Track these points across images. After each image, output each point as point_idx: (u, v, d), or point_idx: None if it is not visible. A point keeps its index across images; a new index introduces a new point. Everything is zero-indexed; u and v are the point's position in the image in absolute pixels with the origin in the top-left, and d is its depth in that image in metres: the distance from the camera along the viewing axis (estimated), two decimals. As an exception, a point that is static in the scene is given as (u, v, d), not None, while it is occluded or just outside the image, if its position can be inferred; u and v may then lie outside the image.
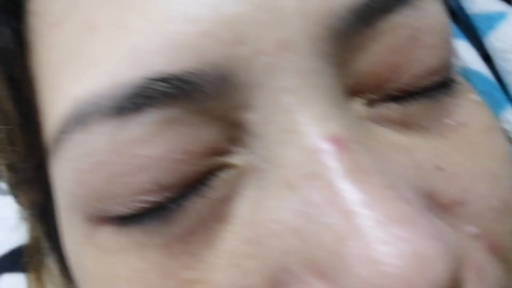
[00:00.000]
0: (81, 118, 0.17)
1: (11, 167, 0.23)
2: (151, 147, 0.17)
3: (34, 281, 0.32)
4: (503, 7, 0.40)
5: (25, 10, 0.20)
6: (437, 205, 0.19)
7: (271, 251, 0.17)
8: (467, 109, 0.21)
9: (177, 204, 0.18)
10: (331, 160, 0.17)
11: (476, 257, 0.19)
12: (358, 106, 0.19)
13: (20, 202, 0.27)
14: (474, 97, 0.22)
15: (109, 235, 0.19)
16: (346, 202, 0.16)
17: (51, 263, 0.31)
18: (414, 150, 0.19)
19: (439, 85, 0.20)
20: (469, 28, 0.42)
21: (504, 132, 0.40)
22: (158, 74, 0.17)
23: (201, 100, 0.17)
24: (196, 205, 0.18)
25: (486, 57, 0.42)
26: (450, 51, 0.20)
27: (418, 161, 0.19)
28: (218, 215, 0.18)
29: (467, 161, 0.20)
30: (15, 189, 0.26)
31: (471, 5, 0.41)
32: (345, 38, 0.18)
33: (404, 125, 0.20)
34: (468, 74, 0.40)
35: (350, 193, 0.16)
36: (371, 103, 0.19)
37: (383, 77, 0.19)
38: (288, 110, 0.17)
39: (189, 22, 0.17)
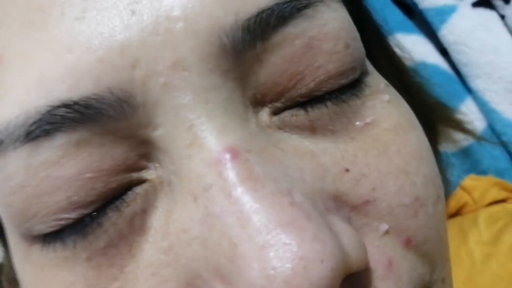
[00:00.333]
0: None
1: None
2: (63, 168, 0.18)
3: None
4: (453, 0, 0.41)
5: None
6: (346, 205, 0.20)
7: (183, 259, 0.18)
8: (377, 109, 0.21)
9: (93, 220, 0.19)
10: (226, 170, 0.18)
11: (389, 252, 0.20)
12: (264, 115, 0.20)
13: None
14: (385, 97, 0.22)
15: (39, 253, 0.20)
16: (239, 210, 0.17)
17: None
18: (319, 154, 0.20)
19: (345, 87, 0.21)
20: (425, 22, 0.43)
21: (461, 124, 0.41)
22: (60, 102, 0.18)
23: (104, 122, 0.18)
24: (113, 219, 0.19)
25: (444, 51, 0.44)
26: (353, 55, 0.21)
27: (323, 164, 0.20)
28: (136, 227, 0.19)
29: (375, 160, 0.20)
30: None
31: (423, 0, 0.42)
32: (239, 54, 0.19)
33: (311, 130, 0.20)
34: (424, 68, 0.42)
35: (242, 201, 0.17)
36: (276, 111, 0.20)
37: (283, 86, 0.20)
38: (188, 126, 0.18)
39: (85, 50, 0.18)
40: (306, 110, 0.20)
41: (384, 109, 0.22)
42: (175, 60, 0.18)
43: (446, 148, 0.41)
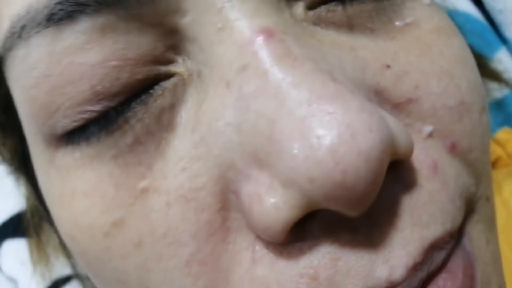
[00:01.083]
0: (18, 32, 0.18)
1: None
2: (87, 55, 0.17)
3: (35, 244, 0.33)
4: None
5: None
6: (387, 102, 0.18)
7: (215, 149, 0.17)
8: (418, 10, 0.20)
9: (119, 114, 0.18)
10: (260, 50, 0.17)
11: (434, 155, 0.19)
12: (299, 9, 0.19)
13: (2, 154, 0.27)
14: (426, 1, 0.21)
15: (65, 154, 0.19)
16: (275, 86, 0.16)
17: (48, 226, 0.32)
18: (358, 49, 0.19)
19: None
20: (456, -30, 0.41)
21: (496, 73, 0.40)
22: None
23: (131, 5, 0.17)
24: (140, 115, 0.18)
25: (478, 1, 0.42)
26: None
27: (363, 58, 0.19)
28: (164, 123, 0.18)
29: (417, 60, 0.19)
30: None
31: None
32: None
33: (349, 26, 0.19)
34: (456, 16, 0.40)
35: (279, 78, 0.16)
36: (312, 5, 0.19)
37: None
38: (219, 9, 0.17)
39: None
40: (344, 5, 0.19)
41: (424, 11, 0.21)
42: None
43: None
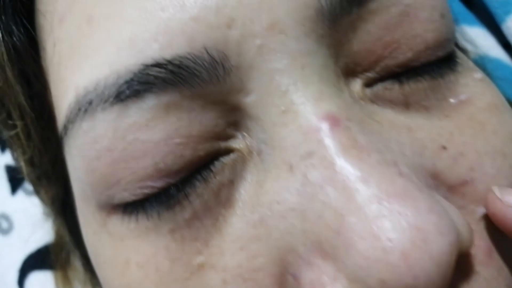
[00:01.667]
0: (85, 107, 0.18)
1: (29, 162, 0.24)
2: (151, 132, 0.18)
3: (61, 278, 0.34)
4: (521, -9, 0.39)
5: (35, 10, 0.21)
6: (443, 185, 0.19)
7: (276, 232, 0.17)
8: (471, 87, 0.21)
9: (179, 190, 0.18)
10: (326, 138, 0.17)
11: (488, 239, 0.19)
12: (356, 86, 0.19)
13: (41, 198, 0.27)
14: (478, 75, 0.21)
15: (120, 222, 0.19)
16: (344, 179, 0.16)
17: (76, 260, 0.32)
18: (415, 129, 0.19)
19: (441, 60, 0.20)
20: (486, 14, 0.41)
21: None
22: (153, 60, 0.17)
23: (197, 84, 0.17)
24: (199, 190, 0.18)
25: (507, 44, 0.42)
26: (448, 26, 0.20)
27: (420, 140, 0.19)
28: (223, 199, 0.18)
29: (472, 139, 0.19)
30: (36, 185, 0.26)
31: (487, -9, 0.40)
32: (336, 19, 0.18)
33: (405, 105, 0.19)
34: (486, 61, 0.40)
35: (347, 170, 0.16)
36: (369, 82, 0.19)
37: (378, 54, 0.19)
38: (283, 91, 0.18)
39: (179, 8, 0.17)
40: (400, 83, 0.19)
41: (477, 87, 0.21)
42: (271, 22, 0.17)
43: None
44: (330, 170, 0.16)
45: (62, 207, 0.26)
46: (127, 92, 0.17)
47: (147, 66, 0.17)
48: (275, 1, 0.17)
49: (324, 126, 0.17)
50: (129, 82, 0.17)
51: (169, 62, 0.17)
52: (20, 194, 0.35)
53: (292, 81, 0.17)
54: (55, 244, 0.33)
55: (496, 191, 0.19)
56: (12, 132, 0.23)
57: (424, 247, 0.15)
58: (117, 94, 0.17)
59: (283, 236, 0.17)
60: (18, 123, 0.22)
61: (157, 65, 0.17)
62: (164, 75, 0.17)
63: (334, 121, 0.17)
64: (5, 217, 0.35)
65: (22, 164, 0.24)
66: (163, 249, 0.18)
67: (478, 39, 0.41)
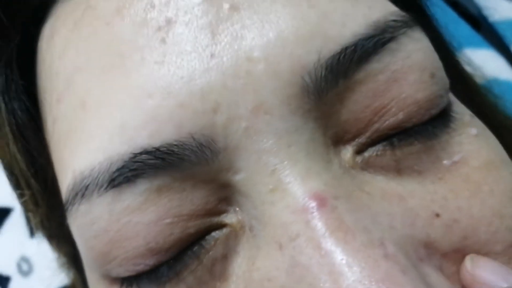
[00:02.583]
0: (82, 191, 0.19)
1: (40, 224, 0.25)
2: (143, 214, 0.18)
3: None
4: (528, 13, 0.38)
5: (35, 86, 0.22)
6: (436, 253, 0.19)
7: None
8: (465, 145, 0.20)
9: (171, 269, 0.19)
10: (314, 219, 0.17)
11: None
12: (347, 154, 0.19)
13: (56, 252, 0.29)
14: (473, 131, 0.21)
15: None
16: (329, 263, 0.17)
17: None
18: (407, 197, 0.19)
19: (435, 118, 0.20)
20: (495, 36, 0.41)
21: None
22: (142, 149, 0.18)
23: (186, 167, 0.18)
24: (192, 267, 0.19)
25: (516, 64, 0.41)
26: (439, 84, 0.20)
27: (412, 209, 0.19)
28: (217, 273, 0.19)
29: (467, 203, 0.19)
30: (49, 242, 0.28)
31: (493, 13, 0.40)
32: (322, 94, 0.18)
33: (397, 170, 0.19)
34: (497, 85, 0.39)
35: (333, 253, 0.17)
36: (360, 148, 0.19)
37: (368, 120, 0.19)
38: (271, 171, 0.18)
39: (166, 95, 0.18)
40: (392, 147, 0.19)
41: (472, 144, 0.20)
42: (256, 104, 0.18)
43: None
44: (316, 253, 0.17)
45: (75, 260, 0.27)
46: (120, 178, 0.18)
47: (136, 154, 0.18)
48: (259, 82, 0.18)
49: (311, 206, 0.17)
50: (120, 170, 0.18)
51: (157, 149, 0.18)
52: (38, 236, 0.36)
53: (279, 160, 0.18)
54: (73, 286, 0.34)
55: (468, 262, 0.19)
56: (22, 200, 0.24)
57: None
58: (110, 180, 0.18)
59: None
60: (26, 192, 0.23)
61: (146, 152, 0.18)
62: (153, 161, 0.18)
63: (321, 201, 0.17)
64: (25, 259, 0.36)
65: (34, 225, 0.25)
66: None
67: (487, 61, 0.40)
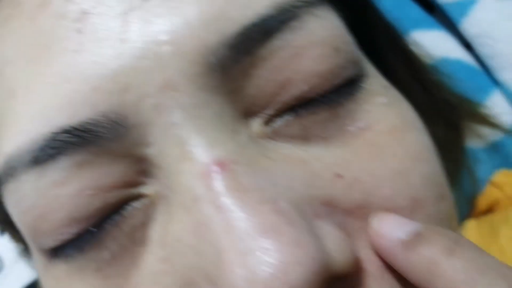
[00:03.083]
0: (10, 171, 0.21)
1: None
2: (66, 188, 0.20)
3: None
4: (473, -8, 0.40)
5: None
6: (338, 211, 0.20)
7: (179, 267, 0.20)
8: (372, 113, 0.21)
9: (93, 236, 0.20)
10: (213, 181, 0.19)
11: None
12: (256, 126, 0.21)
13: (12, 239, 0.30)
14: (382, 99, 0.22)
15: (54, 266, 0.22)
16: (224, 218, 0.18)
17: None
18: (311, 161, 0.20)
19: (339, 87, 0.21)
20: (446, 18, 0.42)
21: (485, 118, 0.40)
22: (60, 128, 0.19)
23: (102, 143, 0.20)
24: (113, 234, 0.20)
25: (469, 45, 0.42)
26: (345, 57, 0.21)
27: (313, 171, 0.20)
28: (137, 239, 0.20)
29: (370, 165, 0.20)
30: (2, 231, 0.29)
31: (441, -5, 0.41)
32: (226, 70, 0.20)
33: (304, 138, 0.21)
34: (446, 64, 0.41)
35: (228, 210, 0.18)
36: (269, 120, 0.21)
37: (274, 93, 0.20)
38: (179, 142, 0.19)
39: (82, 80, 0.20)
40: (298, 117, 0.21)
41: (379, 112, 0.22)
42: (164, 82, 0.19)
43: (473, 144, 0.40)
44: (214, 211, 0.18)
45: (27, 249, 0.28)
46: (42, 156, 0.20)
47: (56, 133, 0.19)
48: (166, 63, 0.19)
49: (213, 171, 0.19)
50: (42, 148, 0.20)
51: (75, 128, 0.19)
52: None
53: (186, 132, 0.19)
54: (39, 279, 0.35)
55: (371, 219, 0.20)
56: None
57: (283, 278, 0.17)
58: (34, 158, 0.20)
59: (184, 270, 0.19)
60: None
61: (64, 131, 0.19)
62: (72, 139, 0.19)
63: (220, 166, 0.19)
64: (-4, 256, 0.37)
65: None
66: (90, 286, 0.21)
67: (438, 42, 0.41)
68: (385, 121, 0.21)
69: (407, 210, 0.20)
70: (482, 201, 0.40)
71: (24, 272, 0.37)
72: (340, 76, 0.21)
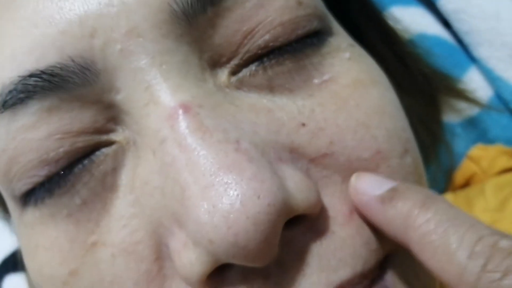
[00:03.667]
0: None
1: None
2: (36, 132, 0.20)
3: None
4: (449, -31, 0.40)
5: None
6: (303, 158, 0.20)
7: (147, 209, 0.20)
8: (336, 66, 0.22)
9: (61, 178, 0.21)
10: (178, 123, 0.19)
11: (349, 203, 0.20)
12: (222, 76, 0.21)
13: None
14: (346, 55, 0.23)
15: (28, 212, 0.22)
16: (187, 157, 0.19)
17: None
18: (275, 110, 0.21)
19: (303, 38, 0.22)
20: (423, -6, 0.42)
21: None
22: (29, 72, 0.20)
23: (71, 88, 0.20)
24: (84, 180, 0.21)
25: (447, 22, 0.43)
26: (308, 10, 0.22)
27: (278, 119, 0.21)
28: (108, 185, 0.21)
29: (334, 115, 0.21)
30: None
31: (419, -29, 0.41)
32: (191, 19, 0.20)
33: (269, 88, 0.21)
34: (424, 39, 0.41)
35: (191, 149, 0.19)
36: (235, 70, 0.21)
37: (239, 43, 0.21)
38: (146, 87, 0.20)
39: (49, 24, 0.20)
40: (264, 67, 0.21)
41: (343, 66, 0.22)
42: (129, 28, 0.20)
43: (450, 118, 0.40)
44: (178, 150, 0.19)
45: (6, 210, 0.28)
46: (12, 100, 0.20)
47: (24, 77, 0.20)
48: (132, 9, 0.20)
49: (177, 113, 0.19)
50: (12, 92, 0.20)
51: (43, 72, 0.20)
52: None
53: (152, 77, 0.20)
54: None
55: (352, 178, 0.21)
56: None
57: (242, 209, 0.18)
58: (4, 102, 0.20)
59: (153, 212, 0.20)
60: None
61: (33, 75, 0.20)
62: (41, 83, 0.20)
63: (185, 109, 0.19)
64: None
65: None
66: (63, 231, 0.21)
67: (416, 18, 0.42)
68: (349, 75, 0.22)
69: (371, 162, 0.21)
70: (459, 175, 0.40)
71: (8, 241, 0.37)
72: (302, 27, 0.21)
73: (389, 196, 0.20)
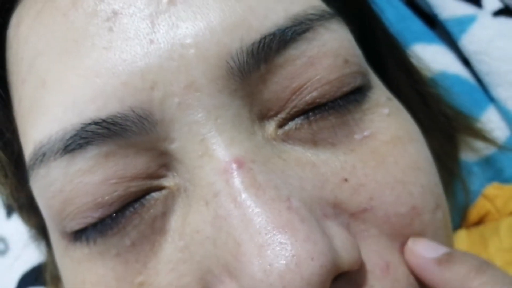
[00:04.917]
0: (40, 157, 0.22)
1: (10, 196, 0.28)
2: (93, 176, 0.21)
3: (53, 293, 0.37)
4: (473, 10, 0.41)
5: (5, 70, 0.25)
6: (344, 213, 0.21)
7: (197, 256, 0.21)
8: (376, 122, 0.23)
9: (113, 220, 0.22)
10: (232, 178, 0.20)
11: (387, 256, 0.21)
12: (270, 128, 0.22)
13: (27, 225, 0.31)
14: (385, 110, 0.24)
15: (75, 249, 0.23)
16: (242, 213, 0.20)
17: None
18: (319, 165, 0.22)
19: (347, 95, 0.23)
20: (446, 33, 0.43)
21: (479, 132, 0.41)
22: (91, 120, 0.21)
23: (128, 136, 0.21)
24: (135, 223, 0.22)
25: (467, 61, 0.44)
26: (353, 68, 0.23)
27: (323, 174, 0.22)
28: (157, 228, 0.22)
29: (373, 171, 0.22)
30: (20, 214, 0.30)
31: (442, 11, 0.42)
32: (245, 75, 0.21)
33: (313, 142, 0.22)
34: (445, 78, 0.42)
35: (245, 205, 0.20)
36: (282, 123, 0.22)
37: (287, 99, 0.22)
38: (201, 139, 0.21)
39: (111, 75, 0.21)
40: (309, 122, 0.22)
41: (383, 122, 0.23)
42: (188, 82, 0.21)
43: (467, 157, 0.41)
44: (232, 205, 0.20)
45: (43, 231, 0.29)
46: (73, 145, 0.21)
47: (86, 124, 0.21)
48: (191, 65, 0.21)
49: (231, 168, 0.20)
50: (73, 138, 0.21)
51: (104, 120, 0.21)
52: (15, 217, 0.39)
53: (207, 130, 0.21)
54: (46, 263, 0.36)
55: (409, 241, 0.22)
56: None
57: (296, 270, 0.19)
58: (65, 147, 0.21)
59: (202, 260, 0.21)
60: None
61: (94, 123, 0.21)
62: (101, 131, 0.21)
63: (239, 164, 0.20)
64: (2, 239, 0.38)
65: (5, 198, 0.28)
66: (111, 270, 0.22)
67: (437, 56, 0.43)
68: (388, 131, 0.23)
69: (406, 217, 0.22)
70: (474, 213, 0.41)
71: (29, 256, 0.38)
72: (347, 84, 0.22)
73: (446, 259, 0.21)
